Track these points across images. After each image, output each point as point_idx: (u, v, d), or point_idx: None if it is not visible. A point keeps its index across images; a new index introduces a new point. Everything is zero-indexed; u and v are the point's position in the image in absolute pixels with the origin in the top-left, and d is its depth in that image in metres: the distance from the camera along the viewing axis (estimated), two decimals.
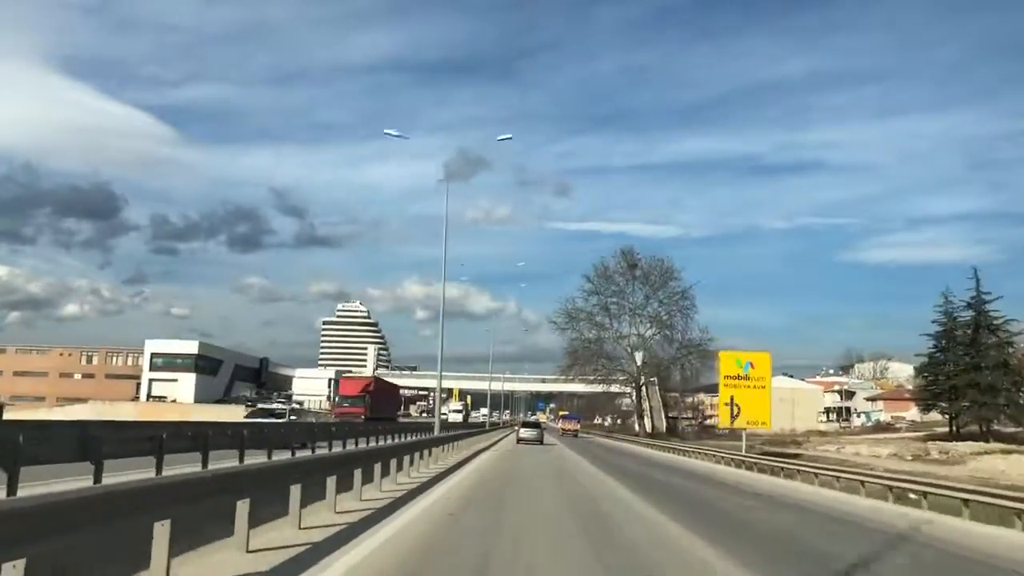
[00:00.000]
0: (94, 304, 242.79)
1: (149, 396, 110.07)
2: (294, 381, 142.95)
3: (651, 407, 77.95)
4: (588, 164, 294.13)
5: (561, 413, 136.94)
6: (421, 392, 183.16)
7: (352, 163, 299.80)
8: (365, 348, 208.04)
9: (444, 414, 58.13)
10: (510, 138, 32.41)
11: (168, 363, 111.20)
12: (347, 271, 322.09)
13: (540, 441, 46.28)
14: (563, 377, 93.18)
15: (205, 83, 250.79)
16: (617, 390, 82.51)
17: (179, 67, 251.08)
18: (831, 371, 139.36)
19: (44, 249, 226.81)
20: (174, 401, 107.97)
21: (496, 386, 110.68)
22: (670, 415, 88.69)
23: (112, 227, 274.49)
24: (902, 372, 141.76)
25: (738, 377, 44.03)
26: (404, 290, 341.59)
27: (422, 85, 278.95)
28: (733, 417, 43.92)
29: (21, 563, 4.32)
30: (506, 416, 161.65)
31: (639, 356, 72.60)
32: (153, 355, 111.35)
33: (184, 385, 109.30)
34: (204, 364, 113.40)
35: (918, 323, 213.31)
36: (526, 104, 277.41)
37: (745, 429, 44.26)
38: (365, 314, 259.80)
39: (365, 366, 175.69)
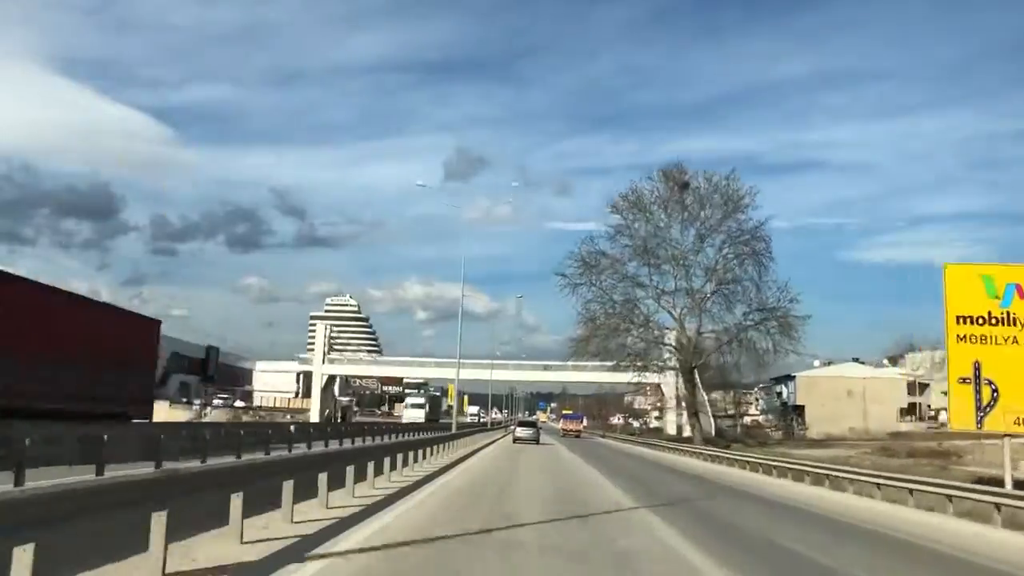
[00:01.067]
0: None
1: None
2: (254, 375, 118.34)
3: (695, 401, 52.80)
4: (588, 164, 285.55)
5: (564, 412, 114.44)
6: (408, 391, 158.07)
7: (352, 163, 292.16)
8: (354, 342, 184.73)
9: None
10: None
11: None
12: (347, 271, 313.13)
13: (536, 440, 44.18)
14: (571, 363, 68.08)
15: (205, 83, 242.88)
16: (654, 378, 57.49)
17: (179, 67, 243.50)
18: (885, 361, 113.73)
19: (43, 250, 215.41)
20: None
21: (492, 376, 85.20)
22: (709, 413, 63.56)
23: (111, 228, 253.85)
24: None
25: (990, 320, 19.05)
26: (404, 291, 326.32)
27: (422, 85, 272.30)
28: (983, 408, 18.86)
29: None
30: (497, 415, 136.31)
31: (691, 323, 47.48)
32: None
33: None
34: None
35: (918, 322, 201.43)
36: (526, 104, 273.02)
37: (1009, 436, 19.15)
38: (355, 308, 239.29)
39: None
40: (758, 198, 47.21)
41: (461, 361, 79.39)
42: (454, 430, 36.60)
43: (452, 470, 19.73)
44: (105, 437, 12.55)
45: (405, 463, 17.52)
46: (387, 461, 15.37)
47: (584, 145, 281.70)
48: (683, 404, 68.08)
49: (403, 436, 33.22)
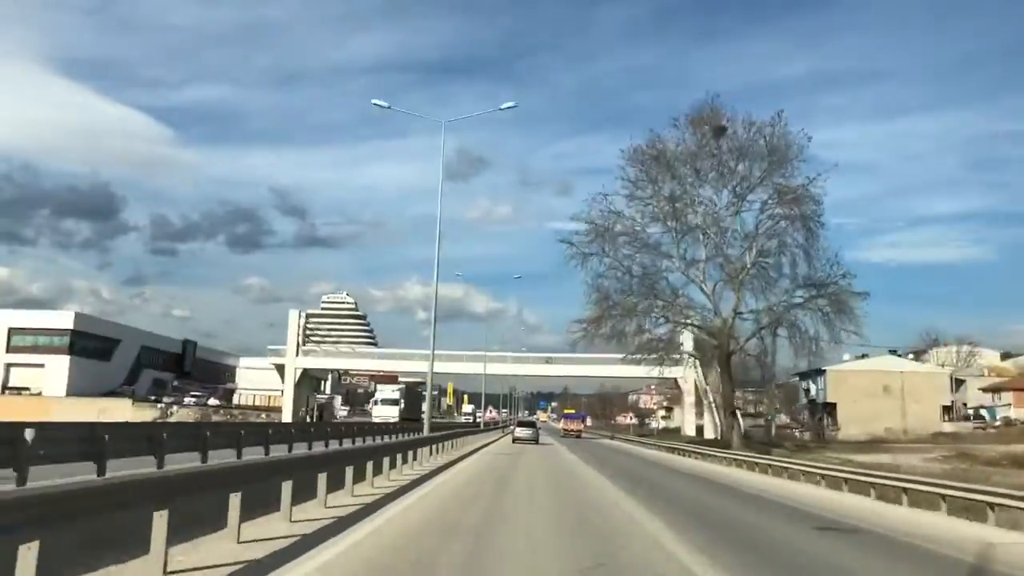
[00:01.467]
0: (94, 305, 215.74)
1: (5, 387, 76.07)
2: (238, 371, 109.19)
3: (732, 397, 43.59)
4: (588, 164, 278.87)
5: (565, 411, 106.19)
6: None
7: (352, 163, 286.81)
8: (346, 339, 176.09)
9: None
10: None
11: (35, 343, 77.14)
12: (347, 271, 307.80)
13: (536, 440, 43.45)
14: (575, 355, 59.24)
15: (205, 84, 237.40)
16: (678, 371, 48.38)
17: (179, 67, 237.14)
18: (910, 355, 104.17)
19: (43, 250, 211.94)
20: (39, 394, 74.23)
21: (488, 371, 76.18)
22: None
23: (111, 228, 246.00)
24: (990, 360, 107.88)
25: None
26: (405, 291, 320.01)
27: (422, 85, 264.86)
28: None
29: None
30: (493, 413, 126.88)
31: (727, 301, 38.14)
32: (12, 331, 77.01)
33: (54, 372, 75.18)
34: (87, 344, 79.15)
35: (920, 322, 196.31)
36: (526, 104, 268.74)
37: None
38: (352, 305, 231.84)
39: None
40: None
41: (453, 354, 70.40)
42: (426, 432, 27.26)
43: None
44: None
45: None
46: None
47: (584, 145, 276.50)
48: (705, 400, 58.97)
49: (346, 443, 24.26)
